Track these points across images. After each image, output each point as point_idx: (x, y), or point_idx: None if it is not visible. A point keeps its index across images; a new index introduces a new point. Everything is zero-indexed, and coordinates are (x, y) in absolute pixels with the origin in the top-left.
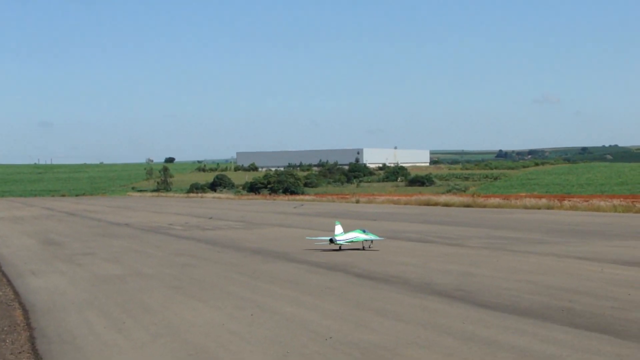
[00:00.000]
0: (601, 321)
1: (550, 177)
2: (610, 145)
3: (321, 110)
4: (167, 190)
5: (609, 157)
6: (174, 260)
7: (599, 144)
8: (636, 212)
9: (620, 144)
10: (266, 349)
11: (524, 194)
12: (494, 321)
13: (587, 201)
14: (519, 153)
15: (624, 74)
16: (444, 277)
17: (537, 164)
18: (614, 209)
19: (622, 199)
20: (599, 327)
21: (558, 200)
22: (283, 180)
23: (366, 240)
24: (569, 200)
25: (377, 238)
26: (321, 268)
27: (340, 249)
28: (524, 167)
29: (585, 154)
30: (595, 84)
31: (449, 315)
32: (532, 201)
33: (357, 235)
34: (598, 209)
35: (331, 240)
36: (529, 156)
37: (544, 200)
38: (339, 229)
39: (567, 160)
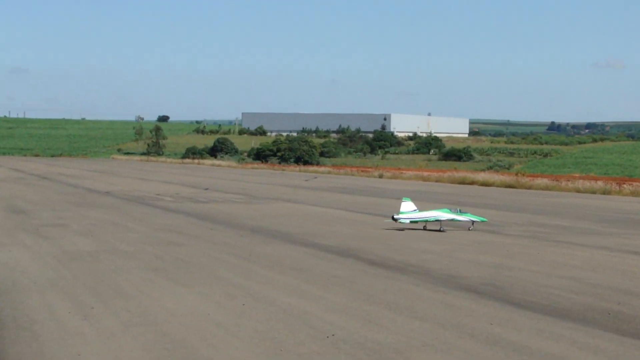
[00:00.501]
0: None
1: (610, 156)
2: None
3: (343, 67)
4: (159, 154)
5: None
6: (157, 237)
7: None
8: None
9: None
10: (255, 345)
11: (577, 175)
12: (526, 323)
13: None
14: (575, 126)
15: None
16: (473, 269)
17: (595, 140)
18: None
19: None
20: None
21: (617, 184)
22: (295, 148)
23: (454, 220)
24: (631, 185)
25: (477, 219)
26: (330, 253)
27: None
28: (579, 143)
29: None
30: None
31: (474, 314)
32: (587, 184)
33: (437, 214)
34: None
35: (393, 218)
36: (586, 130)
37: (600, 184)
38: (407, 206)
39: (631, 137)
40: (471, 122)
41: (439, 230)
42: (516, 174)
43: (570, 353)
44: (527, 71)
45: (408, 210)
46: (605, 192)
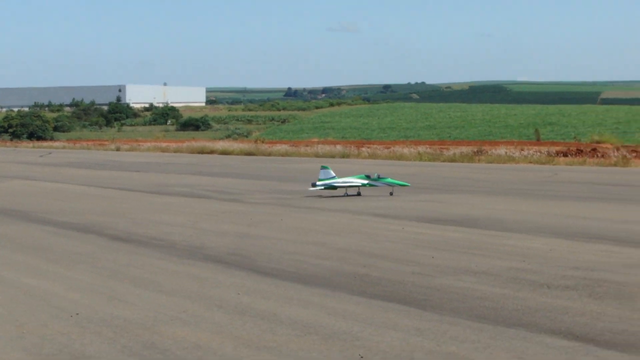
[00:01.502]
0: (400, 289)
1: (347, 119)
2: (416, 83)
3: (74, 37)
4: None
5: (414, 96)
6: None
7: (404, 81)
8: (443, 160)
9: (428, 82)
10: None
11: (316, 140)
12: (274, 291)
13: (389, 148)
14: (312, 91)
15: (432, 2)
16: (218, 239)
17: (332, 105)
18: (419, 156)
19: (428, 145)
20: (398, 296)
21: (356, 147)
22: (27, 123)
23: (371, 185)
24: (369, 147)
25: (398, 184)
26: (71, 230)
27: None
28: (317, 107)
29: (387, 93)
30: (399, 11)
31: (221, 285)
32: (326, 148)
33: (354, 181)
34: (401, 157)
35: (313, 185)
36: (323, 95)
37: (339, 147)
38: (325, 173)
39: (367, 100)
40: (208, 91)
41: (357, 195)
42: (255, 141)
43: (320, 318)
44: (262, 37)
45: (326, 177)
46: (344, 156)
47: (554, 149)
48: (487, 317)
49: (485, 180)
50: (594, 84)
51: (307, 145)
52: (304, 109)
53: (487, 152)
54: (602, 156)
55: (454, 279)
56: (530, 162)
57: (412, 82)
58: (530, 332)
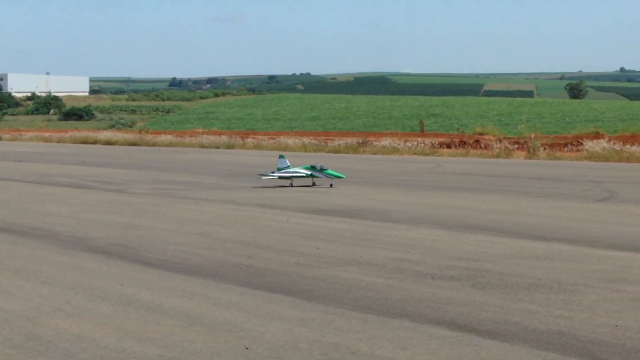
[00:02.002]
0: (284, 280)
1: (232, 110)
2: (301, 74)
3: None
4: None
5: (299, 87)
6: None
7: (289, 72)
8: (328, 151)
9: (313, 73)
10: None
11: (201, 130)
12: (158, 282)
13: (274, 138)
14: (196, 82)
15: None
16: (102, 230)
17: (217, 95)
18: (304, 147)
19: (313, 136)
20: (282, 287)
21: (241, 137)
22: None
23: (313, 176)
24: (254, 138)
25: (336, 175)
26: None
27: (291, 185)
28: (201, 98)
29: (272, 84)
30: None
31: (105, 276)
32: (211, 139)
33: (300, 171)
34: (286, 148)
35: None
36: (208, 85)
37: (224, 138)
38: (282, 162)
39: (252, 91)
40: (91, 80)
41: (313, 185)
42: (139, 132)
43: (204, 309)
44: (146, 26)
45: (283, 166)
46: (229, 147)
47: (437, 140)
48: (371, 308)
49: (369, 171)
50: (477, 76)
51: (191, 136)
52: (188, 100)
53: (371, 143)
54: (485, 148)
55: (339, 269)
56: (415, 154)
57: (297, 72)
58: (414, 322)
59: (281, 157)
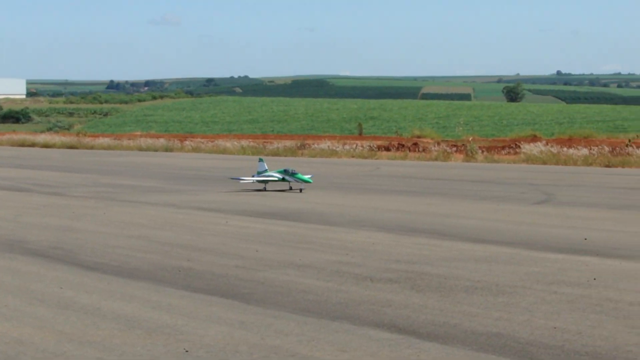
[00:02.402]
0: (224, 283)
1: (170, 113)
2: (239, 77)
3: None
4: None
5: (238, 90)
6: None
7: (227, 75)
8: (267, 154)
9: (251, 75)
10: None
11: (139, 133)
12: (97, 285)
13: (213, 141)
14: (134, 84)
15: None
16: (39, 233)
17: (155, 98)
18: (243, 150)
19: (251, 139)
20: (221, 290)
21: (179, 140)
22: None
23: (285, 180)
24: (192, 141)
25: (304, 180)
26: None
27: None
28: (139, 100)
29: (210, 87)
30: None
31: (43, 280)
32: (149, 141)
33: (274, 175)
34: (225, 151)
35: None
36: (146, 88)
37: (162, 141)
38: (261, 166)
39: (190, 94)
40: (28, 83)
41: (289, 190)
42: (77, 134)
43: (144, 312)
44: (83, 29)
45: (261, 170)
46: (168, 150)
47: (375, 143)
48: (311, 310)
49: (308, 174)
50: (414, 79)
51: (129, 139)
52: (126, 102)
53: (310, 146)
54: (423, 150)
55: (278, 272)
56: (353, 156)
57: (236, 75)
58: (354, 325)
59: (260, 160)
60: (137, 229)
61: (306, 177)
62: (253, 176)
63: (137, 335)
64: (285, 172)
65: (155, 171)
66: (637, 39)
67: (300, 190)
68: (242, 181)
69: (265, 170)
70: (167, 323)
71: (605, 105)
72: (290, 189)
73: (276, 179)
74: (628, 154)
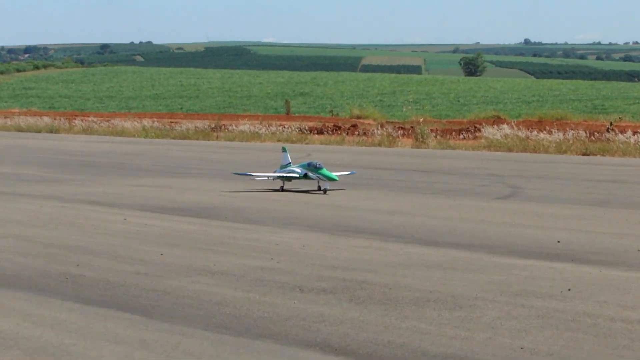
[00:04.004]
0: (121, 293)
1: (56, 86)
2: (140, 43)
3: None
4: None
5: (139, 58)
6: None
7: (126, 41)
8: (174, 137)
9: (155, 41)
10: None
11: (17, 110)
12: None
13: (108, 121)
14: (12, 51)
15: None
16: None
17: (37, 67)
18: (145, 132)
19: (155, 118)
20: (119, 301)
21: (67, 119)
22: None
23: (308, 177)
24: (83, 120)
25: (332, 178)
26: None
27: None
28: (18, 70)
29: (106, 55)
30: None
31: None
32: (29, 120)
33: (295, 170)
34: (123, 132)
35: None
36: (26, 55)
37: (46, 120)
38: (285, 158)
39: (81, 63)
40: None
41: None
42: None
43: (23, 329)
44: None
45: (285, 163)
46: (53, 130)
47: (306, 124)
48: (228, 327)
49: (224, 161)
50: (353, 47)
51: (6, 117)
52: (2, 72)
53: (226, 127)
54: (364, 134)
55: (188, 280)
56: (279, 140)
57: (136, 41)
58: (280, 344)
59: (284, 150)
60: (14, 228)
61: (333, 174)
62: (275, 171)
63: (16, 356)
64: (308, 166)
65: (37, 157)
66: (619, 2)
67: (325, 191)
68: (257, 178)
69: (289, 164)
70: (51, 342)
71: (581, 81)
72: (319, 188)
73: (297, 175)
74: (608, 139)
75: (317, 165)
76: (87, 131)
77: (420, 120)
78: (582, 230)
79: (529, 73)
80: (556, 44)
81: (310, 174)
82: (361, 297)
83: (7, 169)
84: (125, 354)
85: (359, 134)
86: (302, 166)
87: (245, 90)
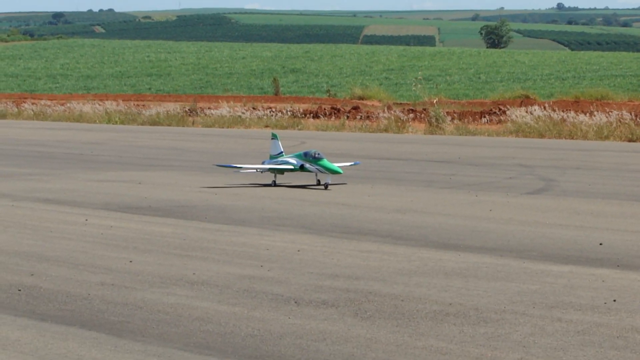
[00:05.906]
0: (84, 308)
1: (0, 62)
2: (101, 11)
3: None
4: None
5: (99, 29)
6: None
7: (83, 9)
8: (142, 123)
9: (118, 9)
10: None
11: None
12: None
13: (64, 104)
14: None
15: None
16: None
17: None
18: (108, 117)
19: (120, 101)
20: (81, 317)
21: (15, 102)
22: None
23: (304, 169)
24: (34, 103)
25: (335, 170)
26: None
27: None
28: None
29: (59, 25)
30: None
31: None
32: None
33: (289, 161)
34: (81, 118)
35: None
36: None
37: None
38: (275, 146)
39: (30, 35)
40: None
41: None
42: None
43: None
44: None
45: (275, 152)
46: (1, 116)
47: (299, 107)
48: (211, 347)
49: (201, 151)
50: (354, 15)
51: None
52: None
53: (203, 111)
54: (368, 118)
55: (163, 292)
56: (267, 126)
57: (95, 9)
58: None
59: (274, 137)
60: None
61: (335, 165)
62: (264, 163)
63: None
64: (305, 156)
65: None
66: None
67: (326, 186)
68: (242, 171)
69: (281, 154)
70: None
71: (625, 53)
72: (319, 183)
73: (292, 167)
74: None
75: (316, 155)
76: (39, 116)
77: (434, 101)
78: (629, 230)
79: (562, 44)
80: (595, 8)
81: (307, 165)
82: (368, 310)
83: None
84: None
85: (361, 118)
86: (298, 156)
87: (225, 66)
